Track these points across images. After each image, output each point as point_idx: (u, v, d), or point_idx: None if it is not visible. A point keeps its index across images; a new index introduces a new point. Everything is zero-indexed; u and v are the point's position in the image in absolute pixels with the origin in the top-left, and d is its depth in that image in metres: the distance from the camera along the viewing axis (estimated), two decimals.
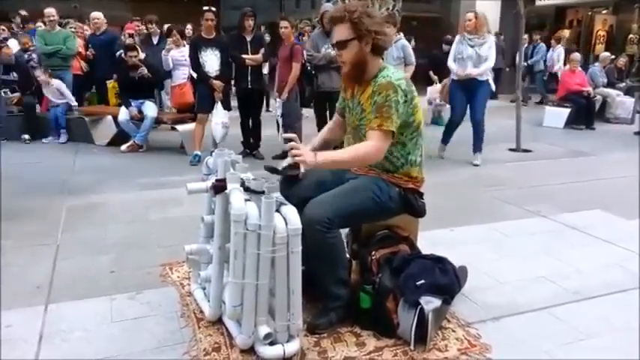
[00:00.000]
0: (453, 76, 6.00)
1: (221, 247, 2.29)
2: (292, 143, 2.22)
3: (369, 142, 2.27)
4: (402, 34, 6.47)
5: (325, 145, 2.64)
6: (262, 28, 8.23)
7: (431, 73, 9.57)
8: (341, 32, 2.32)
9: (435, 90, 8.75)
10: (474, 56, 5.73)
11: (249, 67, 5.86)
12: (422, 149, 2.46)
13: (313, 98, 6.08)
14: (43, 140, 6.94)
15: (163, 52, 7.00)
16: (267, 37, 8.85)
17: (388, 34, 2.41)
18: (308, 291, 2.24)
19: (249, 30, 5.87)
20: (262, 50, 5.92)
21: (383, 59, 2.44)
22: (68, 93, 7.16)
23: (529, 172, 5.68)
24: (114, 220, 3.82)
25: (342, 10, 2.33)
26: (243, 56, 5.82)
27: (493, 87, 5.86)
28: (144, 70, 6.37)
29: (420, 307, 2.21)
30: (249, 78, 5.90)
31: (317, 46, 5.80)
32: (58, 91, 7.08)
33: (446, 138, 6.27)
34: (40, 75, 7.03)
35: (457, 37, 6.18)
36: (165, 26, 7.93)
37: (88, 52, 7.65)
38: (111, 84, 7.41)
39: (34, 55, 7.69)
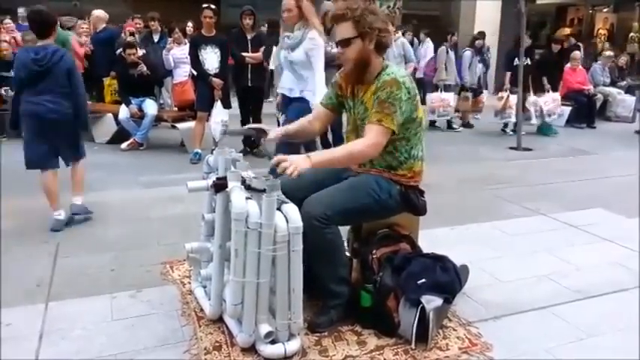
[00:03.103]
0: None
1: (222, 245, 2.28)
2: (278, 157, 2.12)
3: (366, 138, 2.25)
4: (400, 32, 6.49)
5: (299, 133, 2.62)
6: (265, 26, 8.19)
7: (545, 79, 8.15)
8: (344, 30, 2.30)
9: (538, 101, 7.92)
10: (287, 64, 4.03)
11: (250, 65, 5.89)
12: (423, 143, 2.46)
13: None
14: None
15: (164, 51, 7.00)
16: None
17: (390, 31, 2.40)
18: (308, 289, 2.23)
19: (248, 28, 5.89)
20: (262, 49, 5.93)
21: (384, 58, 2.43)
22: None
23: (530, 170, 5.67)
24: (114, 218, 3.82)
25: (345, 7, 2.31)
26: (243, 54, 5.84)
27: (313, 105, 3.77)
28: (142, 68, 6.36)
29: (421, 305, 2.21)
30: (249, 76, 5.92)
31: None
32: None
33: None
34: None
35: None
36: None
37: (86, 48, 7.61)
38: (107, 81, 7.38)
39: None
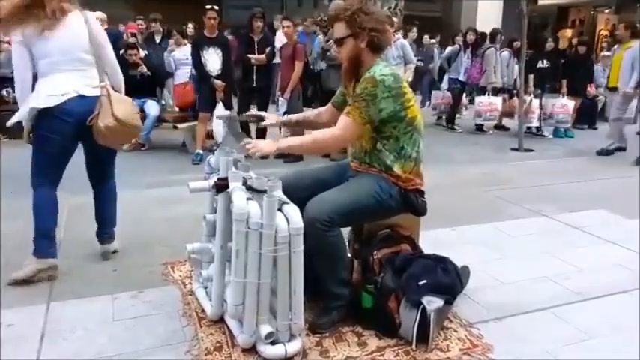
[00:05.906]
0: None
1: (223, 246, 2.29)
2: (245, 142, 2.27)
3: (333, 129, 2.38)
4: (400, 34, 6.50)
5: (301, 123, 2.81)
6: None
7: (564, 83, 7.90)
8: (338, 30, 2.39)
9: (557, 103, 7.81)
10: None
11: (255, 66, 5.98)
12: (420, 145, 2.45)
13: (318, 96, 6.14)
14: None
15: (165, 53, 7.04)
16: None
17: (386, 31, 2.42)
18: (309, 290, 2.23)
19: (257, 31, 5.95)
20: (268, 49, 6.00)
21: (381, 57, 2.44)
22: None
23: (531, 171, 5.67)
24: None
25: (339, 8, 2.41)
26: (249, 56, 5.95)
27: None
28: (143, 69, 6.37)
29: (422, 306, 2.21)
30: (254, 76, 6.01)
31: None
32: None
33: None
34: None
35: None
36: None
37: None
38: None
39: None
